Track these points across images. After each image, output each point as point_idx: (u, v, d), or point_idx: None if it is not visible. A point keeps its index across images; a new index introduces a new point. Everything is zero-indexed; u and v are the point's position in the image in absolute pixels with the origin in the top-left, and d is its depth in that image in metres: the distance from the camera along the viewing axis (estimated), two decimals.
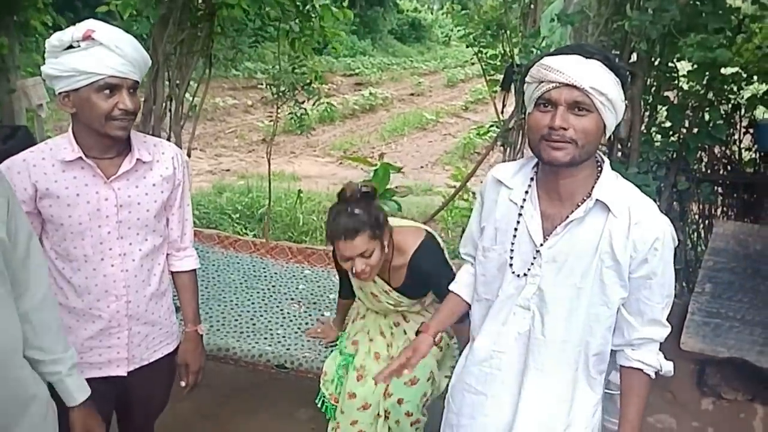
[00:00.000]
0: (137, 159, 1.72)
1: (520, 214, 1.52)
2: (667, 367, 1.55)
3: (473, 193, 5.75)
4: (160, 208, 1.79)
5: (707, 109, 3.20)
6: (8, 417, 1.24)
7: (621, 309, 1.50)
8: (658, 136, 3.28)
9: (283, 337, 2.70)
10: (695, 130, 3.22)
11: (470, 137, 9.92)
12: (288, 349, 2.58)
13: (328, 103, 7.69)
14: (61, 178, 1.65)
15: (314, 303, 3.02)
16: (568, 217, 1.45)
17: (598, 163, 1.50)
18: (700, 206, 3.65)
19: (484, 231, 1.61)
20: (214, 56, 3.95)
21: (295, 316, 2.90)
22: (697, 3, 2.96)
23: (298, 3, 3.81)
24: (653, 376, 1.54)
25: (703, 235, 3.65)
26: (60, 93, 1.62)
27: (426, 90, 17.08)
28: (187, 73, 3.78)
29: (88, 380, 1.64)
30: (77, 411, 1.44)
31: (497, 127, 3.69)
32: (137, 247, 1.74)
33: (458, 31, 4.32)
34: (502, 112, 3.66)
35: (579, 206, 1.45)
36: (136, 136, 1.75)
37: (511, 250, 1.52)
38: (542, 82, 1.38)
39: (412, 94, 16.25)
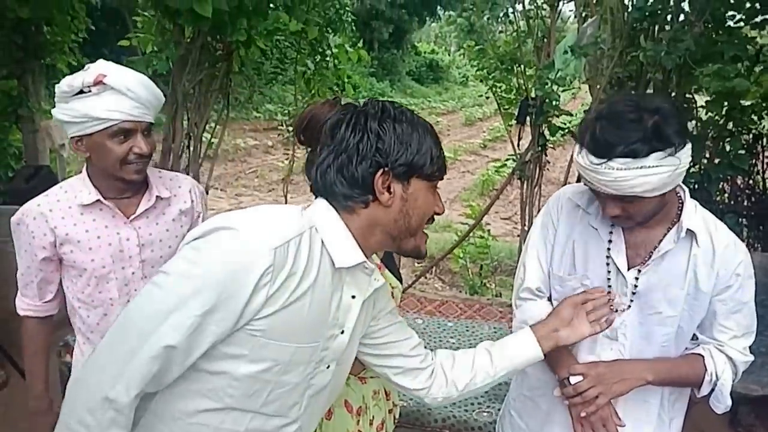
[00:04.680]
0: (156, 196, 1.69)
1: (610, 241, 1.47)
2: (725, 392, 1.46)
3: (488, 231, 5.71)
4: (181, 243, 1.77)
5: (728, 139, 3.15)
6: None
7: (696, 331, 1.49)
8: None
9: None
10: (716, 161, 3.16)
11: (488, 174, 9.92)
12: None
13: None
14: (79, 222, 1.61)
15: None
16: (656, 247, 1.42)
17: (678, 192, 1.45)
18: None
19: (556, 256, 1.55)
20: (234, 99, 4.00)
21: None
22: (713, 33, 2.95)
23: (313, 42, 3.88)
24: (707, 377, 1.44)
25: None
26: (72, 137, 1.58)
27: (444, 129, 17.21)
28: (205, 112, 3.84)
29: None
30: None
31: (513, 160, 3.67)
32: None
33: (476, 71, 4.35)
34: (518, 145, 3.64)
35: (666, 235, 1.41)
36: (151, 171, 1.72)
37: (609, 286, 1.47)
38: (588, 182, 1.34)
39: None
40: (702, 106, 3.14)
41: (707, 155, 3.20)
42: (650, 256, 1.42)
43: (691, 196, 3.26)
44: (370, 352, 1.32)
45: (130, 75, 1.56)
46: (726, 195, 3.47)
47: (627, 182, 1.24)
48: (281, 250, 1.01)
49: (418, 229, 1.18)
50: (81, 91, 1.52)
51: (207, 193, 4.13)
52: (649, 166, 1.22)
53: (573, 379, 1.43)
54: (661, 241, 1.42)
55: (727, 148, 3.14)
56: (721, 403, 1.48)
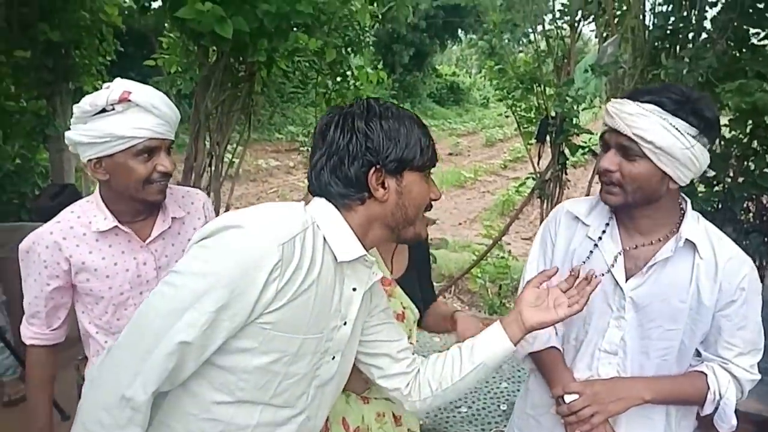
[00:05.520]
0: (171, 217, 1.64)
1: (592, 251, 1.46)
2: (728, 411, 1.42)
3: (509, 252, 5.68)
4: None
5: (752, 158, 3.10)
6: None
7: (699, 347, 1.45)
8: (701, 186, 3.19)
9: None
10: (740, 180, 3.11)
11: (509, 194, 9.88)
12: None
13: None
14: (95, 249, 1.55)
15: None
16: (653, 256, 1.39)
17: (680, 203, 1.44)
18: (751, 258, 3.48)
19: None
20: (257, 120, 4.04)
21: None
22: (736, 51, 2.92)
23: (333, 63, 3.92)
24: (710, 395, 1.41)
25: None
26: (90, 160, 1.49)
27: (464, 149, 17.22)
28: (227, 132, 3.90)
29: None
30: None
31: (533, 179, 3.65)
32: None
33: (495, 90, 4.37)
34: (538, 164, 3.63)
35: (664, 245, 1.39)
36: None
37: (604, 292, 1.45)
38: (605, 124, 1.38)
39: (450, 154, 16.40)
40: (725, 125, 3.10)
41: (731, 174, 3.15)
42: (647, 266, 1.40)
43: (715, 216, 3.22)
44: (359, 349, 1.32)
45: (152, 91, 1.52)
46: (751, 214, 3.41)
47: (642, 120, 1.27)
48: (288, 245, 1.05)
49: (416, 218, 1.21)
50: (103, 110, 1.46)
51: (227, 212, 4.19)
52: (669, 122, 1.26)
53: (568, 398, 1.40)
54: (658, 251, 1.40)
55: (752, 166, 3.09)
56: (726, 423, 1.44)
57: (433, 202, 1.26)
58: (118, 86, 1.48)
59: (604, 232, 1.46)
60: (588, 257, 1.46)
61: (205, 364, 1.08)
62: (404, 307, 1.55)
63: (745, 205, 3.28)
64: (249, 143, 4.17)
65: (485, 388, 2.59)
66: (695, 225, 1.40)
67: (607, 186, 1.38)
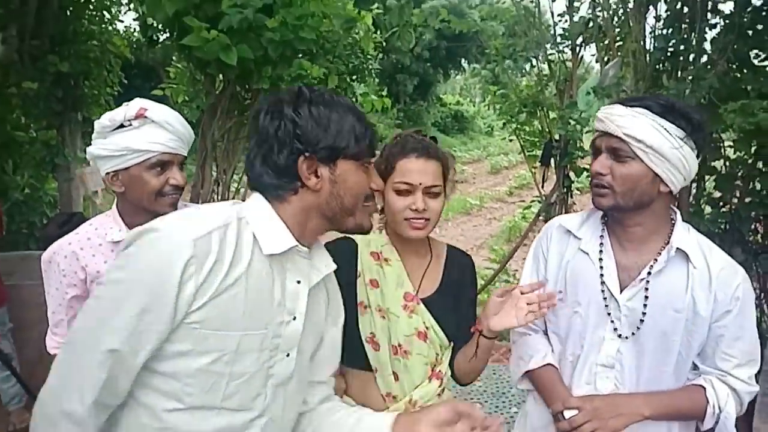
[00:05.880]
0: None
1: (601, 267, 1.46)
2: (729, 425, 1.41)
3: (514, 275, 5.65)
4: None
5: (758, 178, 3.09)
6: None
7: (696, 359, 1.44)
8: (708, 207, 3.18)
9: None
10: (747, 200, 3.10)
11: (515, 220, 9.87)
12: None
13: None
14: (110, 259, 1.63)
15: None
16: (646, 267, 1.40)
17: (671, 215, 1.46)
18: (760, 280, 3.44)
19: (549, 287, 1.53)
20: None
21: None
22: (737, 72, 2.94)
23: (337, 89, 3.97)
24: (710, 409, 1.39)
25: (766, 310, 3.41)
26: (108, 173, 1.61)
27: (469, 177, 17.25)
28: (233, 160, 3.93)
29: None
30: None
31: (539, 202, 3.65)
32: None
33: (498, 114, 4.40)
34: (543, 187, 3.63)
35: (659, 255, 1.40)
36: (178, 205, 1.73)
37: (606, 306, 1.45)
38: (596, 130, 1.42)
39: (455, 181, 16.41)
40: (730, 146, 3.10)
41: (737, 195, 3.14)
42: (640, 276, 1.41)
43: (723, 237, 3.18)
44: None
45: (167, 110, 1.63)
46: (759, 235, 3.38)
47: (632, 120, 1.31)
48: (203, 240, 1.03)
49: (355, 208, 1.17)
50: (121, 126, 1.58)
51: None
52: (657, 123, 1.30)
53: (567, 413, 1.38)
54: (653, 261, 1.40)
55: (758, 186, 3.08)
56: None
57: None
58: (136, 104, 1.60)
59: (601, 243, 1.46)
60: (602, 279, 1.45)
61: (147, 373, 1.06)
62: (427, 327, 1.49)
63: (753, 226, 3.26)
64: None
65: (496, 413, 2.55)
66: (686, 235, 1.42)
67: (598, 189, 1.40)
